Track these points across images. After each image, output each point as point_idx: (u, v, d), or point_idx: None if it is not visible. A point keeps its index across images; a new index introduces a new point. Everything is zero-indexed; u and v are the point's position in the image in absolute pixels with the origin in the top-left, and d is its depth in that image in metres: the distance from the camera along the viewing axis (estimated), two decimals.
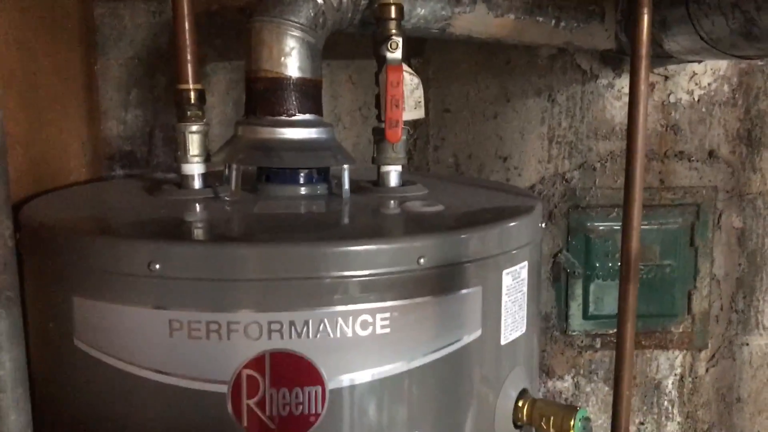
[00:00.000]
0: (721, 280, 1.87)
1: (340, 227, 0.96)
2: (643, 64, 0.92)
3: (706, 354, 1.90)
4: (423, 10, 1.29)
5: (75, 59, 1.50)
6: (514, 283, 1.01)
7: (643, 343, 1.88)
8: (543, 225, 1.13)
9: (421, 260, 0.89)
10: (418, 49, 1.72)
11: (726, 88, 1.80)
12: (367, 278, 0.86)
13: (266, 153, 1.10)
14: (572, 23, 1.49)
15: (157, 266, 0.84)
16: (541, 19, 1.45)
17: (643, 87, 0.93)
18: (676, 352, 1.89)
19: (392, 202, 1.12)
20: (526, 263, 1.04)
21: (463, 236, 0.94)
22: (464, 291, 0.94)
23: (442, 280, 0.92)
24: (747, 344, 1.90)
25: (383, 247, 0.87)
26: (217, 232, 0.96)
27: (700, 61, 1.71)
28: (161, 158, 1.71)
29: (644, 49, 0.93)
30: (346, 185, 1.13)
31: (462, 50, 1.72)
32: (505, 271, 0.99)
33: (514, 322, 1.02)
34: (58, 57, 1.39)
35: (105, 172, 1.68)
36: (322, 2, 1.15)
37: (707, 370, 1.91)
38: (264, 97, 1.13)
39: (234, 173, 1.09)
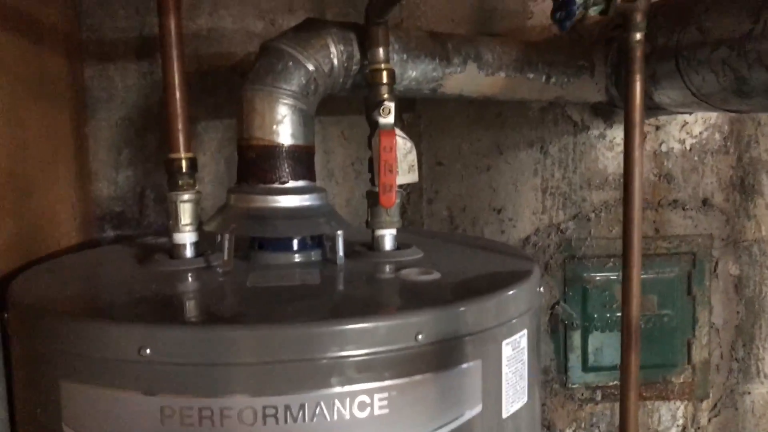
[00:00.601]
0: (720, 328, 1.86)
1: (336, 303, 0.94)
2: (637, 131, 0.92)
3: (707, 404, 1.87)
4: (414, 72, 1.29)
5: (65, 123, 1.49)
6: (514, 353, 0.99)
7: (644, 394, 1.85)
8: (541, 289, 1.11)
9: (419, 336, 0.87)
10: (409, 104, 1.72)
11: (717, 136, 1.80)
12: (364, 357, 0.84)
13: (259, 222, 1.08)
14: (563, 78, 1.50)
15: (148, 351, 0.81)
16: (531, 75, 1.46)
17: (637, 154, 0.92)
18: (678, 403, 1.86)
19: (387, 268, 1.11)
20: (525, 331, 1.02)
21: (461, 309, 0.92)
22: (464, 365, 0.92)
23: (441, 356, 0.90)
24: (749, 393, 1.88)
25: (381, 325, 0.85)
26: (210, 311, 0.94)
27: (691, 113, 1.72)
28: (152, 218, 1.69)
29: (638, 116, 0.93)
30: (341, 252, 1.12)
31: (453, 104, 1.73)
32: (504, 342, 0.97)
33: (515, 393, 1.00)
34: (47, 122, 1.38)
35: (96, 233, 1.66)
36: (313, 69, 1.15)
37: (710, 420, 1.88)
38: (256, 164, 1.12)
39: (226, 243, 1.07)
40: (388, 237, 1.19)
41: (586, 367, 1.83)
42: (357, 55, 1.20)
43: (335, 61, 1.18)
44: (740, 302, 1.86)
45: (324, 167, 1.72)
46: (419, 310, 0.88)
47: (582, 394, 1.84)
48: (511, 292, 1.00)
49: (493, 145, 1.77)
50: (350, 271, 1.10)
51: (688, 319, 1.83)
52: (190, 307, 0.96)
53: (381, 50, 1.16)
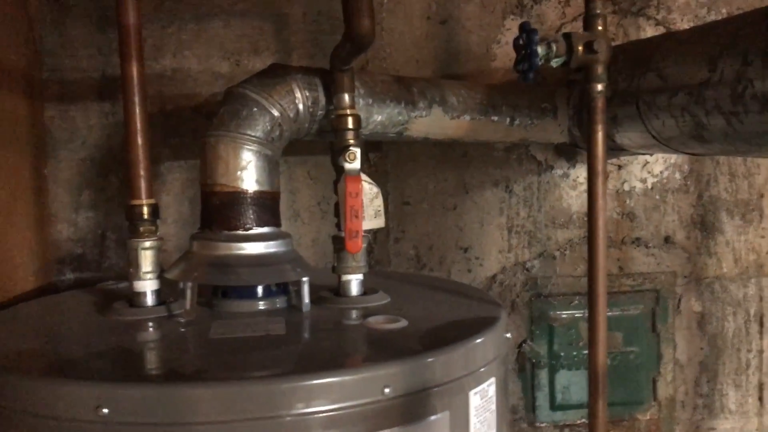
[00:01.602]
0: (684, 364, 1.87)
1: (301, 356, 0.92)
2: (600, 180, 0.93)
3: None
4: (380, 117, 1.30)
5: (24, 166, 1.46)
6: (483, 402, 0.98)
7: None
8: (508, 335, 1.11)
9: (387, 390, 0.85)
10: (376, 144, 1.72)
11: (678, 175, 1.84)
12: (330, 413, 0.82)
13: (223, 270, 1.06)
14: (526, 120, 1.52)
15: (105, 410, 0.79)
16: (496, 118, 1.47)
17: (601, 203, 0.93)
18: None
19: (354, 315, 1.09)
20: (493, 379, 1.01)
21: (429, 360, 0.91)
22: (432, 418, 0.91)
23: (409, 409, 0.88)
24: (714, 429, 1.89)
25: (348, 379, 0.84)
26: (170, 367, 0.92)
27: (651, 154, 1.75)
28: (114, 260, 1.65)
29: (600, 165, 0.94)
30: (306, 299, 1.10)
31: (420, 144, 1.73)
32: (472, 392, 0.96)
33: None
34: (5, 167, 1.35)
35: (55, 276, 1.62)
36: (278, 115, 1.14)
37: None
38: (220, 211, 1.10)
39: (189, 292, 1.05)
40: (354, 282, 1.18)
41: (553, 406, 1.82)
42: (322, 100, 1.20)
43: (300, 107, 1.17)
44: (704, 338, 1.88)
45: (290, 207, 1.71)
46: (386, 363, 0.87)
47: None
48: (478, 341, 1.00)
49: (459, 184, 1.78)
50: (316, 319, 1.08)
51: (653, 356, 1.85)
52: (150, 362, 0.93)
53: (346, 96, 1.16)
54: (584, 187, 1.76)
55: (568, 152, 1.79)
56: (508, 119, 1.50)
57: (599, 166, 0.93)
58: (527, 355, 1.81)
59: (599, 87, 0.95)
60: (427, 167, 1.77)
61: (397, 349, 0.95)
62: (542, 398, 1.82)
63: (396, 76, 1.38)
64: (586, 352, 1.63)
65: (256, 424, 0.81)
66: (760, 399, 1.90)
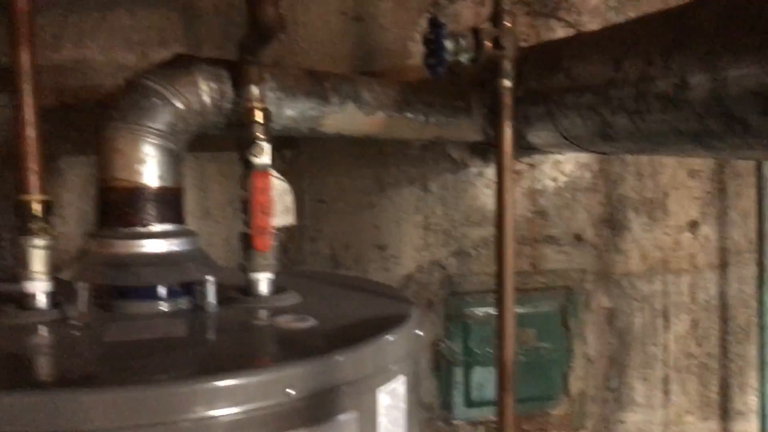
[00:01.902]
0: (594, 359, 1.92)
1: (201, 358, 0.88)
2: (508, 175, 0.93)
3: None
4: (292, 111, 1.26)
5: None
6: (392, 401, 0.97)
7: (524, 427, 1.88)
8: (419, 332, 1.10)
9: (290, 391, 0.82)
10: (290, 141, 1.68)
11: (588, 174, 1.88)
12: (230, 417, 0.79)
13: (120, 270, 1.01)
14: (441, 118, 1.52)
15: None
16: (410, 115, 1.46)
17: (508, 197, 0.93)
18: None
19: (262, 315, 1.06)
20: (403, 378, 1.00)
21: (336, 359, 0.89)
22: (339, 418, 0.89)
23: (315, 410, 0.86)
24: (623, 422, 1.95)
25: (248, 381, 0.80)
26: (59, 373, 0.86)
27: (562, 153, 1.78)
28: (8, 260, 1.55)
29: (508, 161, 0.94)
30: (211, 299, 1.06)
31: (335, 141, 1.70)
32: (381, 391, 0.95)
33: None
34: None
35: None
36: (182, 107, 1.09)
37: None
38: (118, 207, 1.05)
39: (82, 293, 0.99)
40: (263, 281, 1.15)
41: (469, 403, 1.83)
42: (230, 93, 1.16)
43: (206, 99, 1.13)
44: (612, 333, 1.93)
45: (200, 206, 1.65)
46: (290, 364, 0.84)
47: (465, 430, 1.84)
48: (388, 339, 0.98)
49: (376, 183, 1.77)
50: (221, 320, 1.04)
51: (564, 352, 1.89)
52: (38, 368, 0.87)
53: (254, 89, 1.13)
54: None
55: (483, 151, 1.80)
56: (422, 117, 1.49)
57: (507, 162, 0.94)
58: (443, 353, 1.82)
59: (506, 83, 0.95)
60: (343, 165, 1.74)
61: (304, 349, 0.92)
62: (458, 395, 1.83)
63: (309, 70, 1.35)
64: None
65: (152, 431, 0.76)
66: (666, 392, 1.97)
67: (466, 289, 1.82)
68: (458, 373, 1.82)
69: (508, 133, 0.93)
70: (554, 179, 1.86)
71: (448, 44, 0.90)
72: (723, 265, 1.98)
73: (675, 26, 1.05)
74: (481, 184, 1.82)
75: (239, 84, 1.14)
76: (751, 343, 1.98)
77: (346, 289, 1.27)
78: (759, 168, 1.84)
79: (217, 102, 1.14)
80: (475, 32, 0.91)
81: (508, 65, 0.94)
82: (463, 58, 0.92)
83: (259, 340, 0.98)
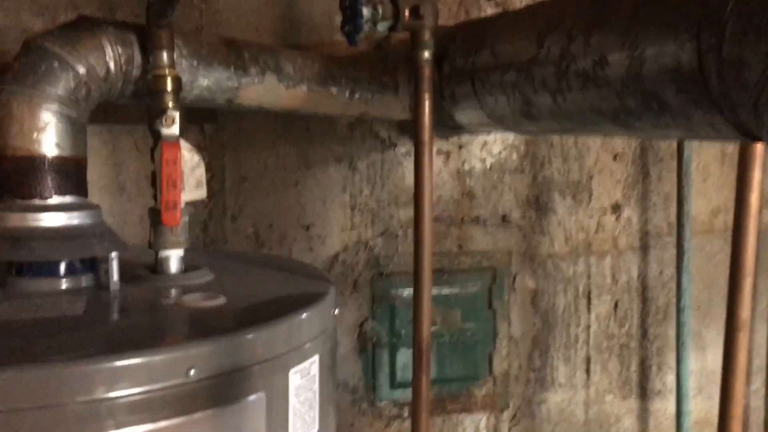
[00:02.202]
0: (518, 340, 1.93)
1: (95, 338, 0.83)
2: (426, 149, 0.91)
3: (508, 414, 1.94)
4: (206, 81, 1.21)
5: None
6: (303, 381, 0.93)
7: (448, 407, 1.88)
8: (336, 311, 1.06)
9: (191, 372, 0.78)
10: (211, 115, 1.62)
11: (515, 156, 1.88)
12: (124, 399, 0.74)
13: (13, 244, 0.94)
14: (367, 95, 1.48)
15: None
16: (335, 90, 1.42)
17: (426, 172, 0.91)
18: (481, 415, 1.91)
19: (169, 293, 1.01)
20: (317, 357, 0.97)
21: (241, 338, 0.85)
22: (247, 399, 0.85)
23: (218, 391, 0.82)
24: (545, 401, 1.97)
25: (144, 361, 0.75)
26: None
27: (489, 133, 1.77)
28: None
29: (426, 135, 0.92)
30: (115, 276, 1.00)
31: (259, 117, 1.65)
32: (292, 371, 0.91)
33: (304, 424, 0.94)
34: None
35: None
36: (84, 72, 1.02)
37: (510, 430, 1.95)
38: (13, 178, 0.97)
39: None
40: (173, 258, 1.09)
41: (393, 384, 1.82)
42: (138, 58, 1.09)
43: (111, 65, 1.06)
44: (536, 314, 1.95)
45: (113, 181, 1.57)
46: (191, 343, 0.80)
47: (389, 411, 1.83)
48: (301, 317, 0.95)
49: (301, 160, 1.72)
50: (125, 299, 0.98)
51: (489, 332, 1.89)
52: None
53: (164, 54, 1.06)
54: None
55: (411, 130, 1.77)
56: (347, 92, 1.45)
57: (426, 136, 0.91)
58: (368, 335, 1.80)
59: (426, 54, 0.92)
60: (267, 141, 1.69)
61: (209, 327, 0.88)
62: (383, 377, 1.81)
63: (227, 39, 1.29)
64: None
65: (38, 414, 0.71)
66: (587, 371, 2.00)
67: (393, 270, 1.80)
68: (383, 355, 1.81)
69: (426, 105, 0.90)
70: (482, 160, 1.85)
71: (365, 11, 0.86)
72: (644, 248, 2.02)
73: (596, 2, 1.04)
74: (409, 164, 1.79)
75: (148, 50, 1.08)
76: (669, 323, 2.04)
77: (263, 268, 1.23)
78: (680, 152, 1.88)
79: (123, 68, 1.08)
80: (394, 1, 0.88)
81: (426, 35, 0.91)
82: (381, 26, 0.88)
83: (164, 319, 0.93)
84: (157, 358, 0.76)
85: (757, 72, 0.75)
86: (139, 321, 0.91)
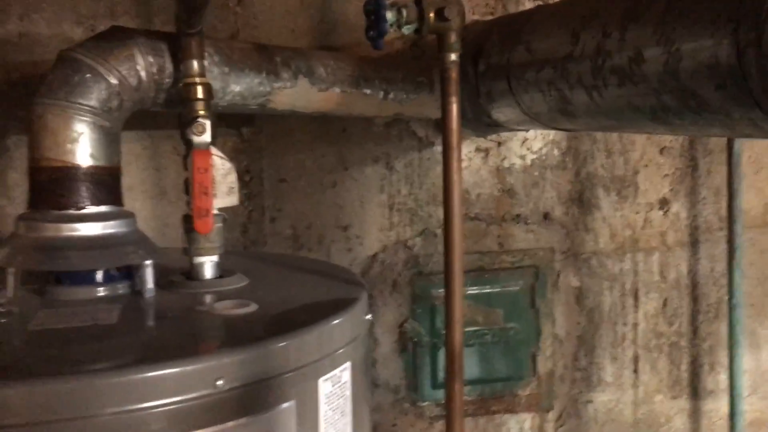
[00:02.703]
0: (563, 339, 1.90)
1: (125, 348, 0.84)
2: (455, 155, 0.89)
3: (553, 414, 1.90)
4: (238, 87, 1.21)
5: None
6: (335, 389, 0.93)
7: (492, 408, 1.86)
8: (369, 317, 1.06)
9: (219, 382, 0.79)
10: (248, 119, 1.63)
11: (556, 152, 1.84)
12: (152, 410, 0.75)
13: (51, 254, 0.96)
14: (401, 95, 1.47)
15: None
16: (368, 91, 1.41)
17: (456, 177, 0.89)
18: (525, 415, 1.88)
19: (204, 300, 1.02)
20: (348, 364, 0.96)
21: (272, 347, 0.85)
22: (277, 408, 0.85)
23: (250, 400, 0.82)
24: (591, 401, 1.93)
25: (171, 372, 0.76)
26: None
27: (527, 130, 1.74)
28: None
29: (455, 139, 0.90)
30: (149, 284, 1.02)
31: (296, 118, 1.65)
32: (322, 379, 0.91)
33: (336, 431, 0.93)
34: None
35: None
36: (116, 82, 1.04)
37: (555, 431, 1.91)
38: (49, 188, 1.00)
39: (10, 278, 0.94)
40: (208, 265, 1.10)
41: (435, 384, 1.81)
42: (169, 67, 1.10)
43: (143, 74, 1.07)
44: (581, 313, 1.91)
45: (155, 185, 1.60)
46: (219, 352, 0.80)
47: (432, 412, 1.82)
48: (332, 323, 0.94)
49: (339, 161, 1.72)
50: (159, 306, 1.00)
51: (532, 332, 1.86)
52: None
53: (195, 62, 1.07)
54: (465, 163, 1.74)
55: None
56: (381, 93, 1.44)
57: (454, 140, 0.89)
58: (409, 335, 1.79)
59: (452, 57, 0.90)
60: (304, 143, 1.69)
61: (239, 336, 0.88)
62: (424, 377, 1.80)
63: (258, 44, 1.30)
64: (467, 329, 1.63)
65: (68, 425, 0.72)
66: (635, 371, 1.95)
67: (432, 270, 1.78)
68: (424, 355, 1.79)
69: (454, 109, 0.88)
70: (522, 157, 1.82)
71: (390, 15, 0.85)
72: (693, 243, 1.96)
73: None
74: None
75: (179, 59, 1.09)
76: (721, 321, 1.97)
77: (297, 272, 1.23)
78: (730, 145, 1.81)
79: (156, 77, 1.09)
80: (418, 2, 0.86)
81: (453, 37, 0.89)
82: (406, 30, 0.87)
83: (195, 328, 0.94)
84: (186, 369, 0.77)
85: None
86: (170, 329, 0.92)
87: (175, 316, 0.97)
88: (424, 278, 1.79)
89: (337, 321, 0.95)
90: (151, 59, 1.08)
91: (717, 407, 2.01)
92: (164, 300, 1.02)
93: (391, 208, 1.77)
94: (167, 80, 1.11)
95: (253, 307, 0.97)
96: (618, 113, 1.10)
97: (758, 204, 1.97)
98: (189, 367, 0.77)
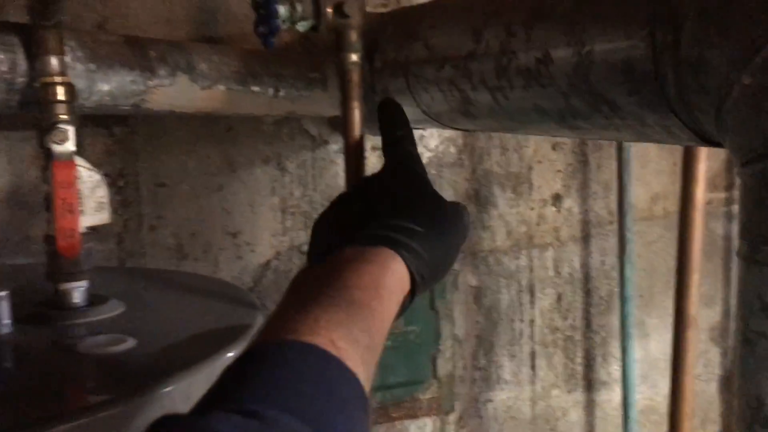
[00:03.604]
0: (462, 340, 1.87)
1: None
2: (353, 165, 0.81)
3: (454, 416, 1.87)
4: (107, 86, 1.07)
5: None
6: None
7: (392, 415, 1.80)
8: None
9: None
10: (120, 116, 1.47)
11: (453, 149, 1.80)
12: None
13: None
14: (293, 92, 1.37)
15: None
16: (257, 89, 1.30)
17: None
18: (426, 420, 1.84)
19: (68, 338, 0.88)
20: None
21: (153, 394, 0.73)
22: None
23: None
24: (491, 401, 1.92)
25: None
26: None
27: (425, 129, 1.68)
28: None
29: (355, 148, 0.82)
30: (5, 319, 0.87)
31: (176, 116, 1.51)
32: None
33: None
34: None
35: None
36: None
37: None
38: None
39: None
40: (75, 292, 0.96)
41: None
42: (23, 64, 0.95)
43: None
44: (480, 312, 1.88)
45: (13, 194, 1.41)
46: (88, 409, 0.68)
47: None
48: (224, 356, 0.84)
49: (225, 163, 1.59)
50: (15, 346, 0.85)
51: (432, 334, 1.82)
52: None
53: (53, 59, 0.92)
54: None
55: (342, 128, 1.67)
56: (271, 90, 1.33)
57: (354, 149, 0.81)
58: None
59: (353, 57, 0.81)
60: (185, 143, 1.55)
61: (112, 382, 0.76)
62: None
63: (130, 36, 1.15)
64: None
65: None
66: (533, 367, 1.95)
67: None
68: None
69: (355, 116, 0.80)
70: (420, 155, 1.76)
71: (282, 10, 0.75)
72: (585, 238, 1.98)
73: None
74: (342, 162, 1.69)
75: (35, 54, 0.93)
76: (613, 313, 2.00)
77: (182, 293, 1.11)
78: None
79: (7, 76, 0.93)
80: None
81: (353, 36, 0.80)
82: (301, 27, 0.77)
83: (59, 374, 0.80)
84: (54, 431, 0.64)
85: (720, 75, 0.67)
86: (27, 380, 0.78)
87: (35, 359, 0.83)
88: None
89: (230, 354, 0.85)
90: (1, 56, 0.92)
91: (610, 398, 2.05)
92: (23, 338, 0.88)
93: (284, 212, 1.66)
94: (21, 79, 0.95)
95: (130, 343, 0.84)
96: (523, 116, 1.05)
97: (646, 197, 2.02)
98: (54, 430, 0.64)
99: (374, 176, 0.81)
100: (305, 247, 1.66)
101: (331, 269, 0.65)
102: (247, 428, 0.45)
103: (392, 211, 0.72)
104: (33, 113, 0.99)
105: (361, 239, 0.69)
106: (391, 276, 0.66)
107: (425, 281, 0.71)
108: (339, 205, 0.79)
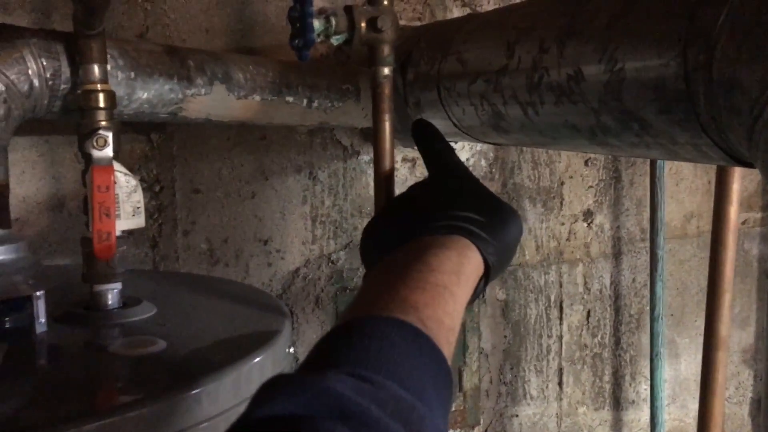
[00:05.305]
0: (489, 353, 1.86)
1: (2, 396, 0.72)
2: (389, 180, 0.82)
3: (479, 430, 1.87)
4: (146, 94, 1.10)
5: None
6: None
7: None
8: (292, 350, 0.97)
9: None
10: (158, 123, 1.51)
11: (483, 162, 1.80)
12: None
13: None
14: (326, 103, 1.39)
15: None
16: (291, 99, 1.32)
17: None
18: None
19: (101, 338, 0.90)
20: None
21: (181, 397, 0.75)
22: None
23: None
24: (517, 415, 1.91)
25: None
26: None
27: (456, 142, 1.69)
28: None
29: (387, 162, 0.83)
30: (41, 318, 0.89)
31: (212, 125, 1.54)
32: None
33: None
34: None
35: None
36: (3, 89, 0.91)
37: None
38: None
39: None
40: (109, 294, 0.99)
41: None
42: (66, 72, 0.98)
43: (36, 80, 0.95)
44: (507, 326, 1.88)
45: (53, 197, 1.45)
46: (122, 408, 0.70)
47: None
48: (252, 362, 0.85)
49: (258, 171, 1.62)
50: (50, 346, 0.88)
51: (459, 347, 1.82)
52: None
53: (95, 68, 0.95)
54: None
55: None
56: (305, 101, 1.36)
57: (386, 163, 0.82)
58: None
59: (385, 71, 0.83)
60: (220, 151, 1.58)
61: (142, 383, 0.78)
62: None
63: (169, 46, 1.18)
64: None
65: None
66: (560, 384, 1.94)
67: (357, 285, 1.71)
68: None
69: (387, 128, 0.81)
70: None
71: (317, 24, 0.77)
72: (616, 255, 1.96)
73: (570, 10, 0.95)
74: (372, 173, 1.70)
75: (78, 62, 0.97)
76: (642, 332, 1.98)
77: (212, 297, 1.13)
78: None
79: (50, 83, 0.97)
80: (348, 11, 0.78)
81: (386, 50, 0.81)
82: (335, 40, 0.79)
83: (91, 373, 0.82)
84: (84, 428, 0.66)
85: (753, 95, 0.67)
86: (60, 378, 0.80)
87: (69, 358, 0.85)
88: (349, 294, 1.71)
89: (257, 359, 0.86)
90: (44, 62, 0.95)
91: (638, 417, 2.02)
92: (58, 337, 0.90)
93: (315, 221, 1.68)
94: (64, 86, 0.98)
95: (161, 345, 0.86)
96: (554, 131, 1.05)
97: (679, 216, 1.99)
98: (87, 426, 0.66)
99: (426, 180, 0.83)
100: (334, 256, 1.69)
101: (414, 254, 0.67)
102: (360, 389, 0.47)
103: (458, 205, 0.74)
104: (74, 119, 1.03)
105: (435, 229, 0.70)
106: (468, 263, 0.68)
107: (494, 270, 0.73)
108: (400, 203, 0.81)
